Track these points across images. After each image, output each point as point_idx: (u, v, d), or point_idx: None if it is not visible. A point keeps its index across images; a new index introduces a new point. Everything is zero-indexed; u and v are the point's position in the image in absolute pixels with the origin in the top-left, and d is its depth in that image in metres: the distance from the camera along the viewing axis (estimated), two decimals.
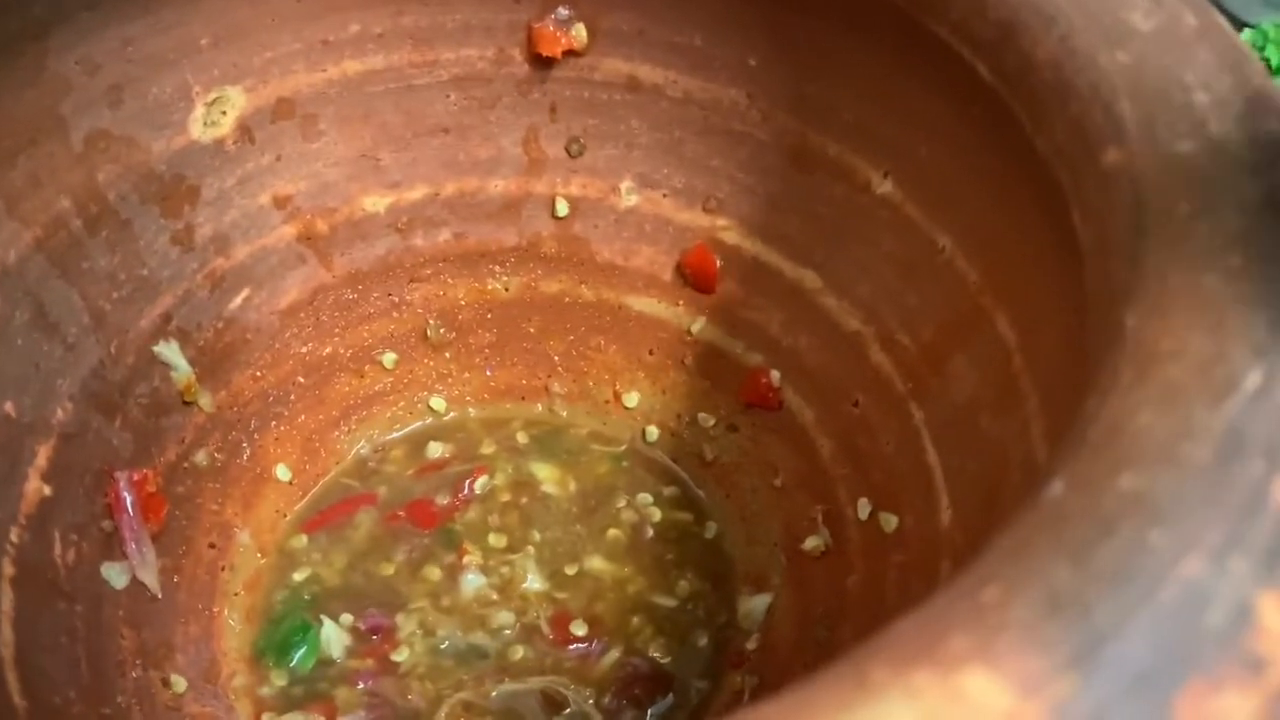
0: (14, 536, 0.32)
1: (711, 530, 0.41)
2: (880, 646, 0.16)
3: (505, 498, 0.42)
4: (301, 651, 0.38)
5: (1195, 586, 0.16)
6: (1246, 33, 0.53)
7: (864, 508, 0.37)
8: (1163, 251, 0.21)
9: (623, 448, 0.43)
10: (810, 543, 0.38)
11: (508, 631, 0.39)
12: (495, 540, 0.41)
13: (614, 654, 0.38)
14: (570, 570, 0.40)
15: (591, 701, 0.37)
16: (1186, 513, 0.17)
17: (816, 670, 0.16)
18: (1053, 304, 0.29)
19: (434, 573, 0.40)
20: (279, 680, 0.38)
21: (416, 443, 0.44)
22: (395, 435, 0.44)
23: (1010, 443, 0.31)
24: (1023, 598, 0.16)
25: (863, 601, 0.35)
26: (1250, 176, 0.22)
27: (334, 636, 0.38)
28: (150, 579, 0.36)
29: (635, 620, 0.39)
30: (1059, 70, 0.26)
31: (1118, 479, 0.17)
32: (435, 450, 0.43)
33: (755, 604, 0.38)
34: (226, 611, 0.38)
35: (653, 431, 0.43)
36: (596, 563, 0.40)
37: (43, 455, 0.34)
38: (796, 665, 0.36)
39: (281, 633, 0.38)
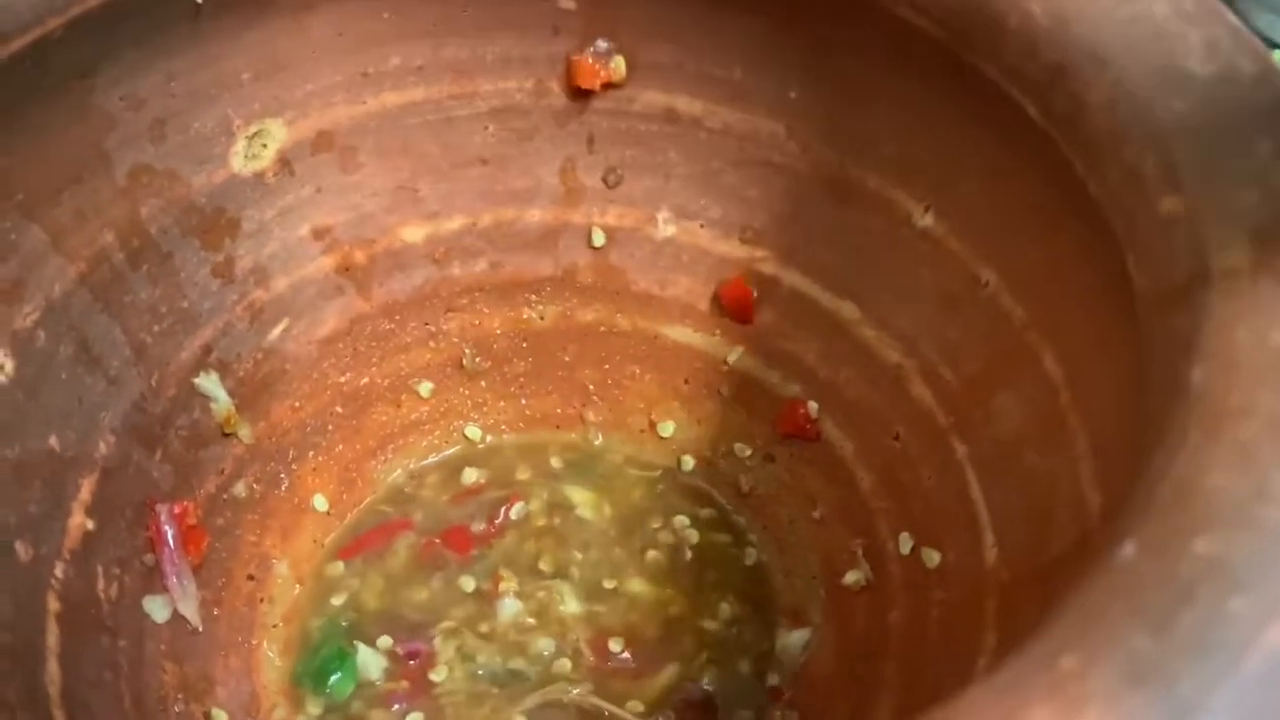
0: (59, 572, 0.33)
1: (751, 557, 0.41)
2: (958, 713, 0.16)
3: (540, 523, 0.42)
4: (338, 677, 0.38)
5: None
6: (1275, 53, 0.52)
7: (905, 542, 0.36)
8: (1227, 305, 0.21)
9: (658, 472, 0.43)
10: (850, 577, 0.38)
11: (547, 654, 0.39)
12: (531, 566, 0.41)
13: (669, 671, 0.38)
14: (608, 594, 0.40)
15: (639, 715, 0.37)
16: (1266, 578, 0.17)
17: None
18: (1101, 344, 0.29)
19: (470, 599, 0.40)
20: (314, 709, 0.38)
21: (452, 469, 0.44)
22: (431, 461, 0.44)
23: (1058, 481, 0.31)
24: (1103, 668, 0.16)
25: (905, 638, 0.35)
26: None
27: (371, 660, 0.38)
28: (191, 612, 0.36)
29: (681, 643, 0.39)
30: (1113, 114, 0.26)
31: (1193, 543, 0.17)
32: (470, 476, 0.43)
33: (793, 639, 0.38)
34: (265, 644, 0.38)
35: (688, 461, 0.43)
36: (635, 585, 0.40)
37: (86, 489, 0.34)
38: (837, 701, 0.36)
39: (319, 660, 0.39)
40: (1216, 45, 0.25)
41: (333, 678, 0.38)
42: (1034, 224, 0.31)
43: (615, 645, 0.38)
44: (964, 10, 0.29)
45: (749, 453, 0.42)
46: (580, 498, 0.43)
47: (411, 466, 0.43)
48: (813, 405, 0.40)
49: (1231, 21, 0.26)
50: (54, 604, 0.32)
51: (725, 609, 0.40)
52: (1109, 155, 0.26)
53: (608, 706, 0.37)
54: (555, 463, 0.44)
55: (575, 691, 0.38)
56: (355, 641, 0.39)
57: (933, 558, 0.35)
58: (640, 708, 0.38)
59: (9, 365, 0.32)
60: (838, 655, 0.37)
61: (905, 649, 0.35)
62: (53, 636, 0.31)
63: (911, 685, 0.33)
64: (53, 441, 0.33)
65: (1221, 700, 0.15)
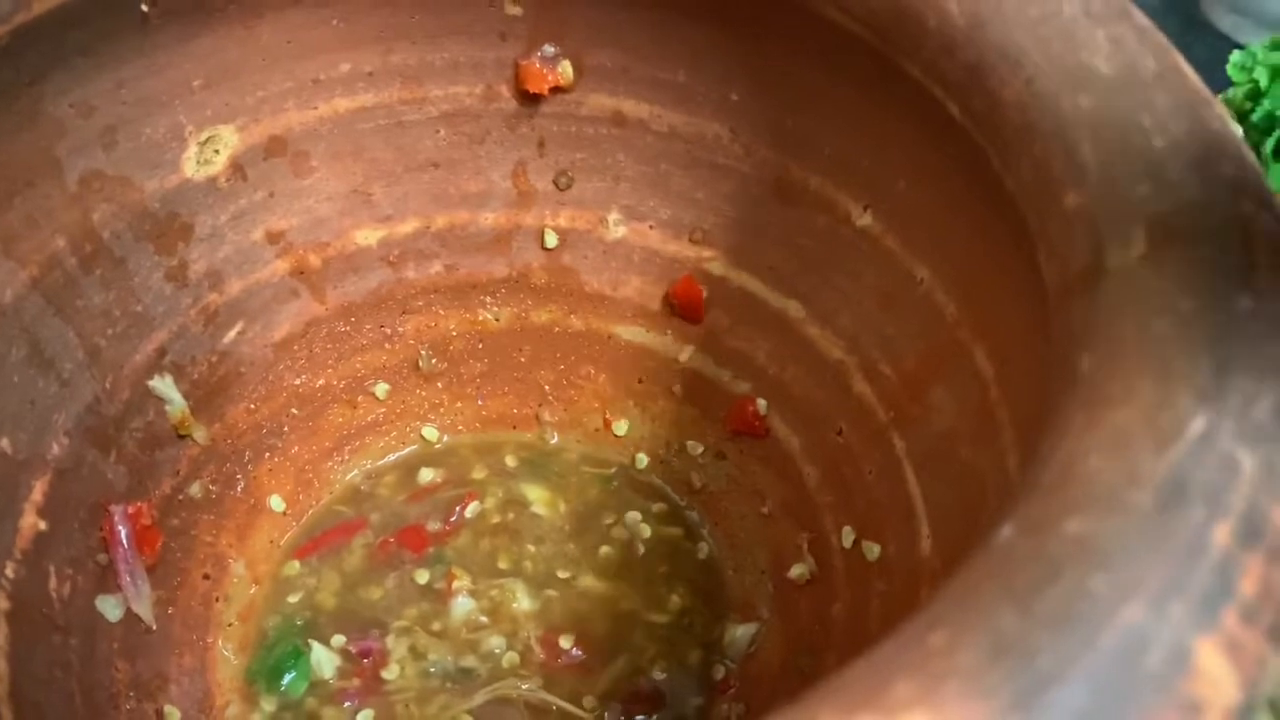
0: (9, 571, 0.33)
1: (704, 551, 0.42)
2: (829, 692, 0.17)
3: (495, 520, 0.43)
4: (292, 676, 0.39)
5: (1135, 631, 0.16)
6: (1236, 54, 0.53)
7: (848, 536, 0.37)
8: (1117, 294, 0.22)
9: (613, 469, 0.44)
10: (796, 570, 0.38)
11: (498, 652, 0.39)
12: (485, 564, 0.41)
13: (616, 666, 0.39)
14: (561, 590, 0.41)
15: (591, 713, 0.38)
16: (1129, 558, 0.17)
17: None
18: (1026, 339, 0.29)
19: (424, 598, 0.41)
20: (268, 706, 0.38)
21: (408, 469, 0.44)
22: (387, 461, 0.44)
23: (988, 473, 0.31)
24: (968, 643, 0.16)
25: (847, 630, 0.36)
26: (1204, 221, 0.22)
27: (324, 658, 0.39)
28: (145, 611, 0.37)
29: (631, 637, 0.39)
30: (1024, 112, 0.26)
31: (1064, 523, 0.18)
32: (427, 476, 0.44)
33: (740, 633, 0.39)
34: (220, 642, 0.39)
35: (642, 459, 0.44)
36: (588, 581, 0.41)
37: (39, 490, 0.35)
38: (780, 694, 0.36)
39: (274, 658, 0.39)
40: (1121, 43, 0.26)
41: (286, 677, 0.39)
42: (962, 222, 0.32)
43: (565, 642, 0.39)
44: (886, 10, 0.30)
45: (701, 450, 0.43)
46: (535, 495, 0.43)
47: (368, 467, 0.44)
48: (761, 403, 0.41)
49: (1138, 20, 0.27)
50: (3, 603, 0.32)
51: (676, 601, 0.40)
52: (1022, 151, 0.27)
53: (555, 701, 0.38)
54: (511, 461, 0.44)
55: (524, 687, 0.38)
56: (310, 640, 0.39)
57: (873, 550, 0.36)
58: (591, 702, 0.38)
59: None
60: (783, 648, 0.38)
61: (846, 640, 0.35)
62: (1, 635, 0.32)
63: None
64: (4, 443, 0.34)
65: (1077, 673, 0.16)
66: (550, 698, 0.38)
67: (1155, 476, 0.18)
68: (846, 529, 0.37)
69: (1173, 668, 0.16)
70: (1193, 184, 0.23)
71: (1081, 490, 0.18)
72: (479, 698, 0.38)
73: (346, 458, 0.43)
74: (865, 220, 0.36)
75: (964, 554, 0.31)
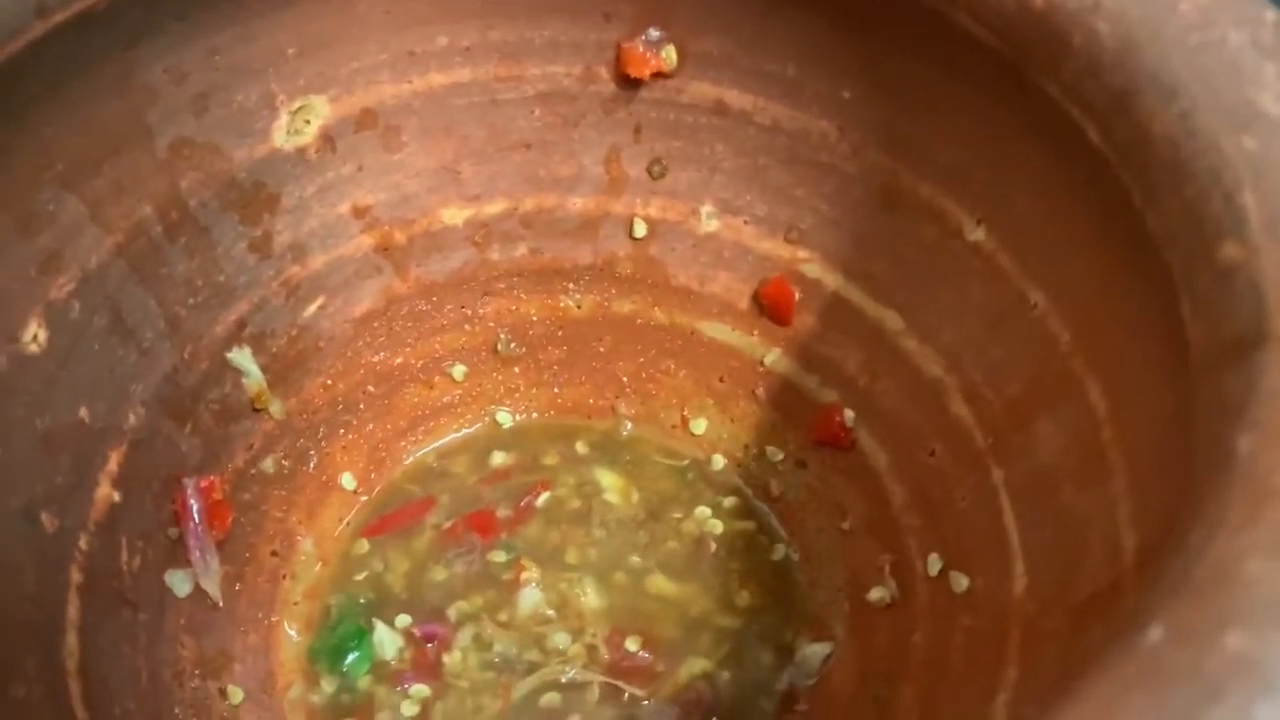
0: (83, 543, 0.33)
1: (779, 553, 0.40)
2: None
3: (568, 506, 0.42)
4: (355, 656, 0.38)
5: None
6: None
7: (934, 564, 0.36)
8: None
9: (686, 462, 0.43)
10: (876, 593, 0.37)
11: (562, 647, 0.38)
12: (555, 556, 0.41)
13: (681, 671, 0.38)
14: (630, 584, 0.40)
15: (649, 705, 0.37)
16: None
17: None
18: (1150, 382, 0.28)
19: (492, 585, 0.40)
20: (328, 687, 0.38)
21: (481, 451, 0.44)
22: (459, 438, 0.44)
23: (1094, 519, 0.30)
24: None
25: (926, 662, 0.34)
26: None
27: (387, 639, 0.38)
28: (213, 587, 0.36)
29: (698, 642, 0.39)
30: (1176, 148, 0.25)
31: (1224, 635, 0.16)
32: (498, 459, 0.43)
33: (814, 651, 0.38)
34: (286, 621, 0.38)
35: (719, 460, 0.42)
36: (658, 579, 0.40)
37: (114, 461, 0.34)
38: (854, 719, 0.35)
39: (336, 637, 0.39)
40: None
41: (349, 656, 0.38)
42: (1088, 250, 0.30)
43: (632, 644, 0.38)
44: (1026, 23, 0.28)
45: (781, 456, 0.41)
46: (608, 481, 0.42)
47: (441, 445, 0.43)
48: (849, 413, 0.39)
49: None
50: (76, 576, 0.32)
51: (746, 598, 0.39)
52: (1170, 190, 0.25)
53: (601, 679, 0.37)
54: (582, 448, 0.43)
55: (572, 673, 0.37)
56: (374, 619, 0.39)
57: (961, 582, 0.34)
58: (652, 706, 0.37)
59: (42, 335, 0.32)
60: (858, 673, 0.36)
61: (926, 673, 0.34)
62: (74, 609, 0.32)
63: (929, 713, 0.33)
64: (83, 413, 0.34)
65: None
66: (597, 676, 0.37)
67: None
68: (933, 556, 0.36)
69: None
70: None
71: (1242, 598, 0.17)
72: (527, 683, 0.37)
73: (420, 438, 0.43)
74: (978, 235, 0.35)
75: (1064, 599, 0.30)
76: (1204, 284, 0.23)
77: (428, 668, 0.38)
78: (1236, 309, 0.22)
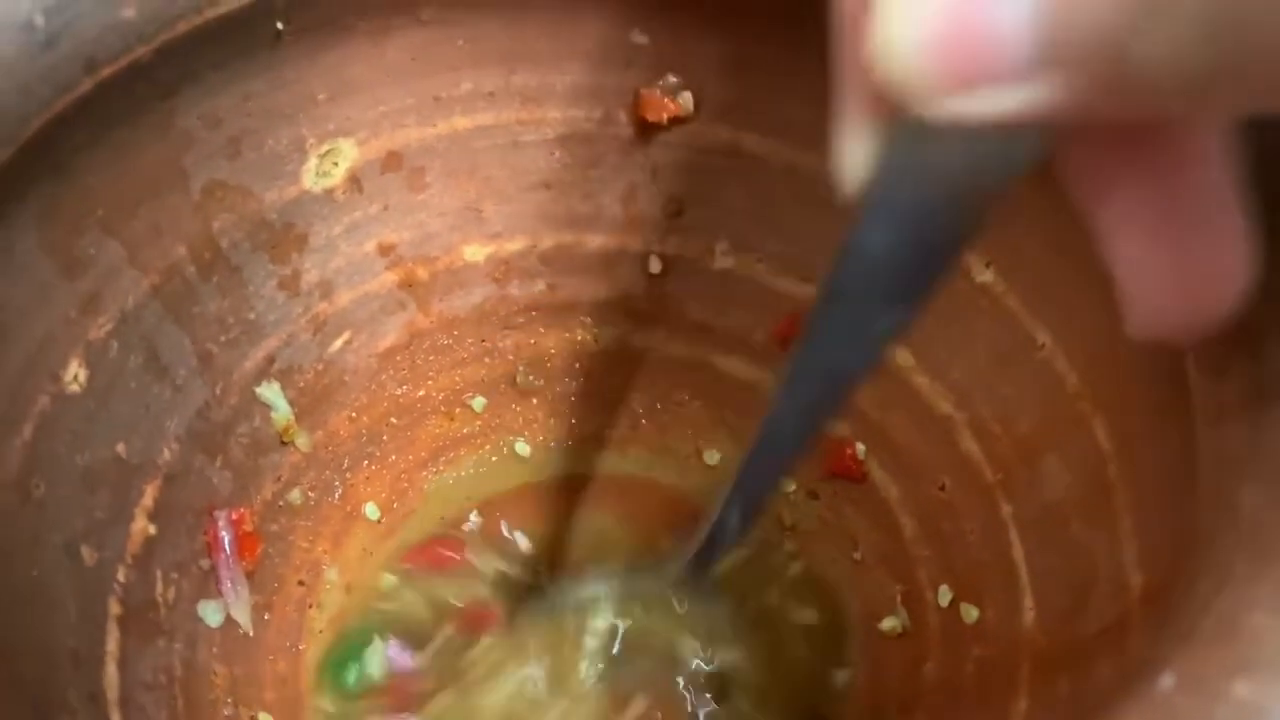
0: (121, 576, 0.34)
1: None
2: None
3: None
4: (354, 669, 0.39)
5: None
6: None
7: (945, 594, 0.37)
8: None
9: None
10: (888, 623, 0.38)
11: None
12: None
13: None
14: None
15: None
16: None
17: None
18: (1156, 426, 0.29)
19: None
20: (329, 705, 0.38)
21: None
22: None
23: (1100, 555, 0.31)
24: None
25: (939, 690, 0.35)
26: None
27: (378, 656, 0.39)
28: (243, 616, 0.37)
29: None
30: None
31: (1232, 684, 0.17)
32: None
33: (835, 677, 0.38)
34: (311, 649, 0.39)
35: None
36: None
37: (149, 495, 0.35)
38: None
39: (338, 653, 0.39)
40: None
41: (351, 672, 0.39)
42: (1095, 295, 0.31)
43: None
44: None
45: (793, 487, 0.42)
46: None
47: (461, 476, 0.44)
48: (860, 446, 0.40)
49: None
50: (115, 608, 0.33)
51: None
52: None
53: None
54: None
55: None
56: (373, 635, 0.39)
57: (971, 613, 0.35)
58: None
59: (82, 375, 0.33)
60: (871, 701, 0.37)
61: (938, 702, 0.35)
62: (113, 640, 0.33)
63: None
64: (120, 449, 0.35)
65: None
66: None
67: None
68: (943, 587, 0.37)
69: None
70: None
71: (1249, 649, 0.18)
72: None
73: (441, 469, 0.44)
74: (986, 276, 0.36)
75: (1073, 633, 0.31)
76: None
77: (403, 700, 0.39)
78: (1240, 356, 0.23)
